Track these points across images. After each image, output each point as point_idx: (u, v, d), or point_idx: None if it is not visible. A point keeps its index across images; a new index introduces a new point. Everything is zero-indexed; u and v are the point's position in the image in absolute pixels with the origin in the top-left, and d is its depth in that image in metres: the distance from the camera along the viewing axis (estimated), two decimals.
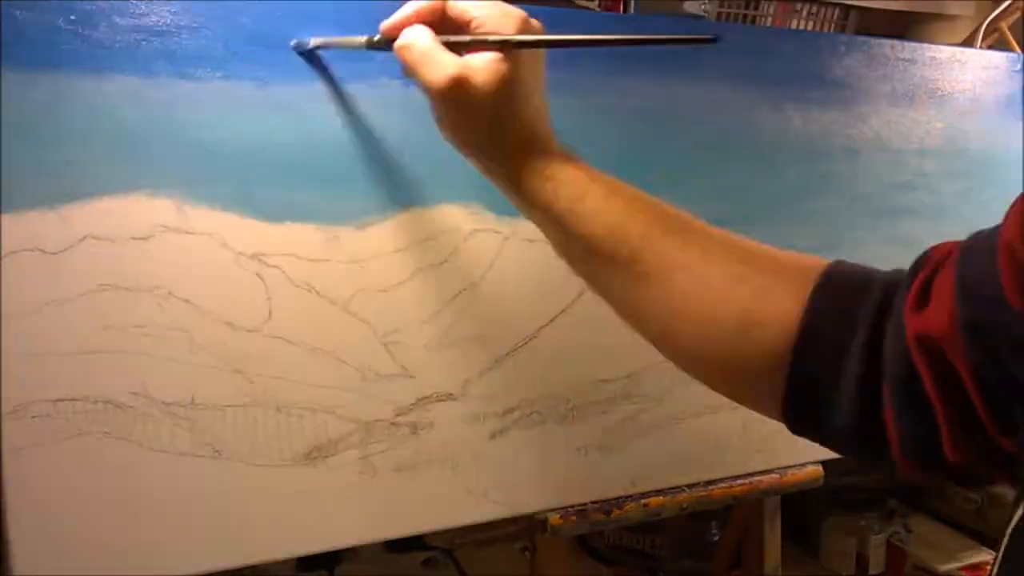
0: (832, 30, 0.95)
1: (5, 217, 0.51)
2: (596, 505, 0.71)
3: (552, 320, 0.69)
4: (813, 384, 0.41)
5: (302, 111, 0.58)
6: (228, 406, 0.58)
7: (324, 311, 0.60)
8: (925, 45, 0.84)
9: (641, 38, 0.54)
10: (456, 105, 0.46)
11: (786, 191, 0.77)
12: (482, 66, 0.45)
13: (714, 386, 0.48)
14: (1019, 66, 0.89)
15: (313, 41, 0.57)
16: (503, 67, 0.45)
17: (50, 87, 0.52)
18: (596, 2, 0.79)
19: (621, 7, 0.79)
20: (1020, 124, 0.89)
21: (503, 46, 0.45)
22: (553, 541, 0.73)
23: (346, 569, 0.90)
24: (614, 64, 0.68)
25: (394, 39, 0.48)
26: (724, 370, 0.46)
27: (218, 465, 0.58)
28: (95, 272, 0.54)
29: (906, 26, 1.02)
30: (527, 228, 0.66)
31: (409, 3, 0.49)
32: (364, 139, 0.60)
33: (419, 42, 0.46)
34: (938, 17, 1.00)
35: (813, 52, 0.78)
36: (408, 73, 0.47)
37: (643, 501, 0.73)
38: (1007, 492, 1.12)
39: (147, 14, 0.53)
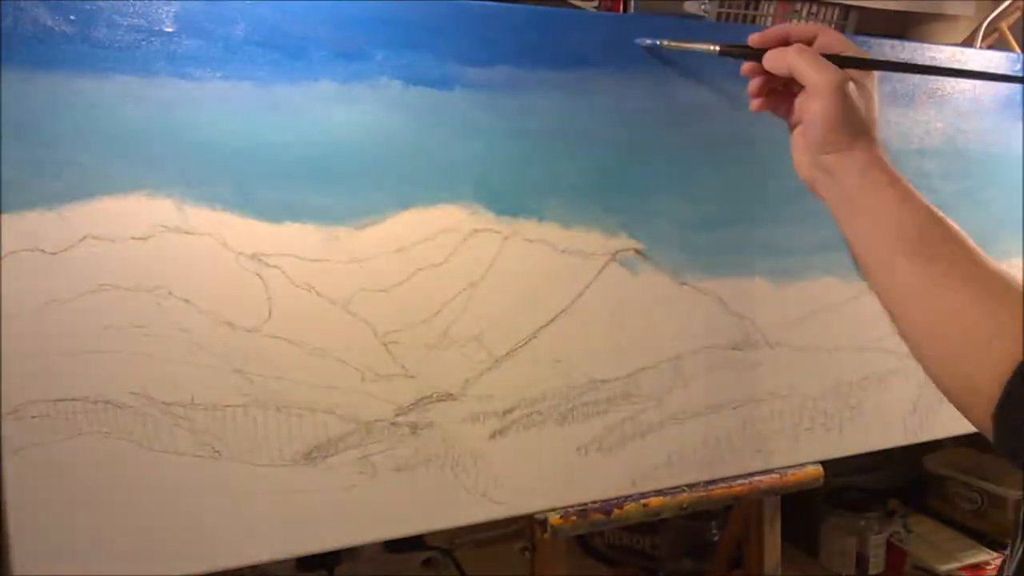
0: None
1: (5, 217, 0.51)
2: (596, 505, 0.71)
3: (552, 320, 0.69)
4: (1020, 405, 0.46)
5: (302, 111, 0.58)
6: (228, 406, 0.58)
7: (324, 311, 0.60)
8: (925, 45, 0.84)
9: (970, 71, 0.74)
10: (842, 101, 0.56)
11: (786, 191, 0.77)
12: (858, 75, 0.58)
13: (945, 386, 0.52)
14: (1019, 66, 0.89)
15: (664, 44, 0.68)
16: (871, 80, 0.59)
17: (50, 87, 0.52)
18: (596, 2, 0.79)
19: (621, 7, 0.79)
20: (1020, 124, 0.89)
21: (872, 67, 0.60)
22: (553, 541, 0.72)
23: (346, 569, 0.90)
24: (614, 64, 0.68)
25: (752, 50, 0.61)
26: (961, 374, 0.50)
27: (218, 465, 0.58)
28: (95, 272, 0.54)
29: (906, 26, 1.02)
30: (527, 228, 0.67)
31: (784, 24, 0.62)
32: (364, 139, 0.60)
33: (808, 50, 0.58)
34: (938, 17, 1.00)
35: None
36: (799, 72, 0.57)
37: (643, 501, 0.73)
38: (1008, 492, 1.12)
39: (147, 14, 0.54)
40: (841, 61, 0.57)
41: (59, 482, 0.54)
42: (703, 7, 0.83)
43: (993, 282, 0.50)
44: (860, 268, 0.57)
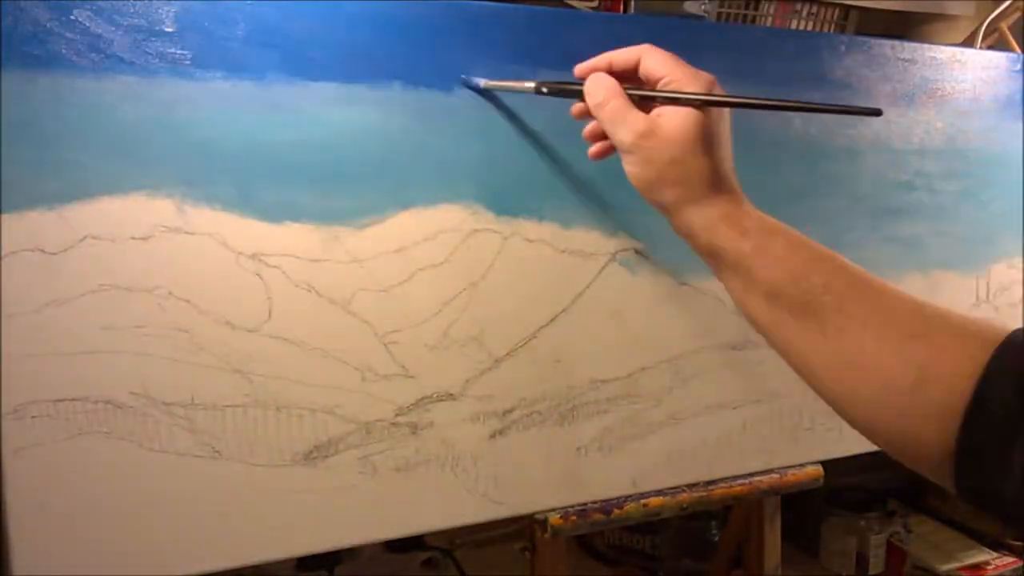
0: (832, 30, 0.95)
1: (5, 217, 0.51)
2: (596, 505, 0.71)
3: (552, 320, 0.69)
4: (982, 450, 0.40)
5: (302, 111, 0.58)
6: (228, 406, 0.58)
7: (324, 311, 0.60)
8: (925, 45, 0.84)
9: (813, 106, 0.60)
10: (646, 157, 0.50)
11: (786, 191, 0.77)
12: (672, 117, 0.49)
13: (883, 445, 0.47)
14: (1019, 66, 0.89)
15: (483, 83, 0.62)
16: (690, 120, 0.49)
17: (50, 87, 0.52)
18: (596, 2, 0.79)
19: (621, 7, 0.80)
20: (1020, 124, 0.89)
21: (687, 103, 0.49)
22: (553, 541, 0.73)
23: (346, 569, 0.90)
24: None
25: (571, 87, 0.55)
26: (895, 430, 0.45)
27: (218, 465, 0.58)
28: (95, 272, 0.54)
29: (906, 26, 1.01)
30: (527, 228, 0.67)
31: (605, 54, 0.54)
32: (364, 139, 0.60)
33: (613, 102, 0.51)
34: (938, 17, 1.00)
35: (813, 52, 0.78)
36: (602, 126, 0.52)
37: (643, 501, 0.73)
38: None
39: (147, 14, 0.54)
40: (654, 97, 0.50)
41: (59, 482, 0.54)
42: (703, 7, 0.83)
43: (898, 318, 0.44)
44: (751, 325, 0.52)
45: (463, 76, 0.63)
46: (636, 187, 0.52)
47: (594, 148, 0.58)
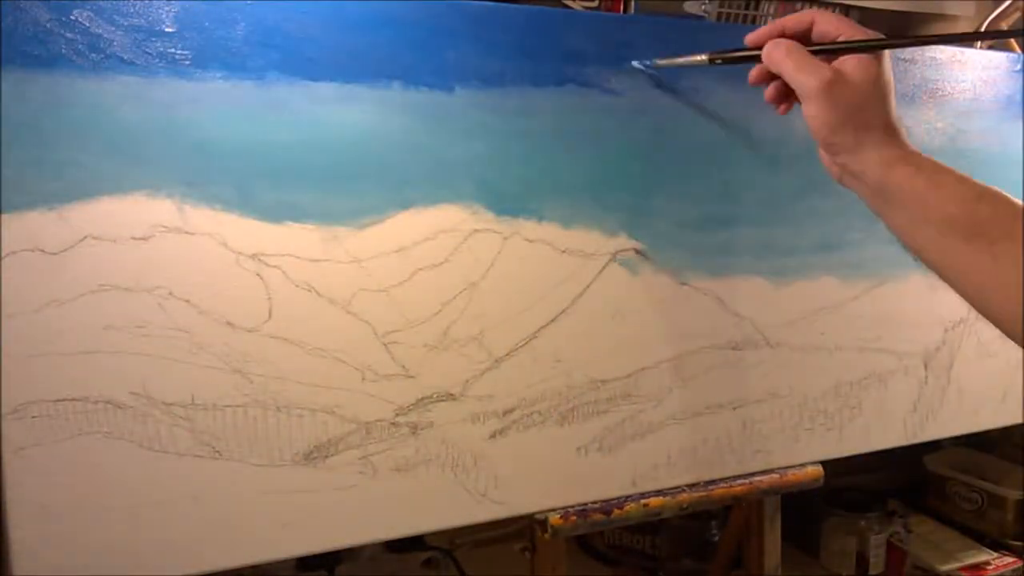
0: None
1: (5, 217, 0.51)
2: (596, 505, 0.71)
3: (552, 320, 0.69)
4: None
5: (302, 111, 0.58)
6: (228, 406, 0.58)
7: (324, 311, 0.60)
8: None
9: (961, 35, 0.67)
10: (833, 102, 0.53)
11: (786, 191, 0.77)
12: (855, 66, 0.54)
13: None
14: (1019, 66, 0.89)
15: (657, 63, 0.67)
16: (872, 66, 0.54)
17: (50, 87, 0.52)
18: (596, 2, 0.79)
19: (621, 7, 0.80)
20: (1020, 124, 0.89)
21: (867, 49, 0.54)
22: (553, 541, 0.73)
23: (346, 569, 0.90)
24: (614, 64, 0.68)
25: (746, 54, 0.59)
26: None
27: (218, 465, 0.58)
28: (95, 272, 0.54)
29: (906, 26, 1.01)
30: (527, 228, 0.67)
31: (777, 21, 0.58)
32: (364, 139, 0.60)
33: (795, 49, 0.55)
34: (938, 17, 1.00)
35: None
36: (787, 77, 0.55)
37: (643, 501, 0.73)
38: (1008, 492, 1.12)
39: (147, 14, 0.54)
40: (835, 50, 0.55)
41: (59, 482, 0.54)
42: (703, 7, 0.83)
43: None
44: (914, 255, 0.55)
45: (634, 62, 0.68)
46: (816, 130, 0.55)
47: (782, 106, 0.62)
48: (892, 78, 0.56)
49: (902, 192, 0.53)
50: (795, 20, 0.58)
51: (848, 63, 0.54)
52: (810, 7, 0.94)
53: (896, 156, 0.54)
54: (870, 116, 0.54)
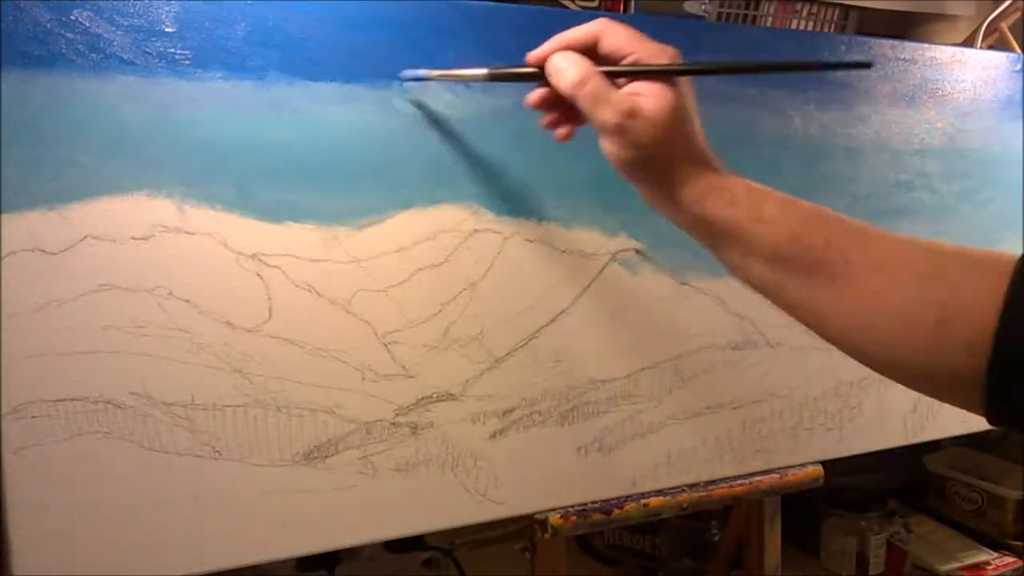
0: (832, 30, 0.95)
1: (5, 217, 0.51)
2: (596, 505, 0.71)
3: (552, 320, 0.69)
4: (1017, 371, 0.40)
5: (302, 111, 0.58)
6: (228, 406, 0.58)
7: (324, 311, 0.60)
8: (925, 45, 0.84)
9: (794, 64, 0.60)
10: (632, 139, 0.48)
11: (786, 191, 0.77)
12: (651, 96, 0.48)
13: (912, 385, 0.47)
14: (1019, 66, 0.89)
15: (426, 73, 0.59)
16: (670, 97, 0.48)
17: (50, 87, 0.52)
18: (596, 2, 0.79)
19: (621, 7, 0.79)
20: (1020, 124, 0.89)
21: (665, 74, 0.48)
22: (553, 541, 0.73)
23: (346, 569, 0.90)
24: None
25: (527, 72, 0.52)
26: (922, 370, 0.45)
27: (218, 465, 0.58)
28: (95, 272, 0.54)
29: (906, 26, 1.01)
30: (527, 228, 0.67)
31: (559, 36, 0.51)
32: (364, 139, 0.60)
33: (592, 76, 0.48)
34: (938, 17, 1.00)
35: (813, 52, 0.78)
36: (582, 107, 0.49)
37: (643, 501, 0.73)
38: (1008, 492, 1.12)
39: (147, 14, 0.54)
40: (630, 73, 0.49)
41: (59, 482, 0.54)
42: (703, 7, 0.83)
43: (908, 261, 0.44)
44: (755, 291, 0.51)
45: (404, 72, 0.60)
46: (619, 168, 0.50)
47: (562, 131, 0.55)
48: (694, 100, 0.50)
49: (721, 225, 0.48)
50: (580, 35, 0.51)
51: (643, 91, 0.48)
52: (810, 7, 0.94)
53: (707, 188, 0.49)
54: (676, 149, 0.49)
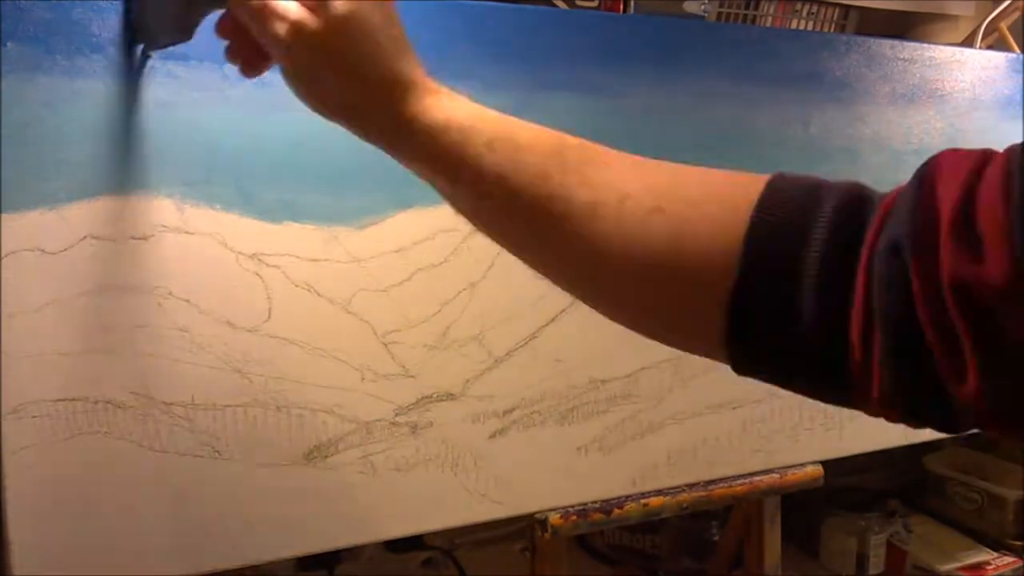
0: (832, 30, 0.95)
1: (5, 217, 0.51)
2: (596, 505, 0.71)
3: (552, 320, 0.69)
4: (761, 310, 0.36)
5: (302, 111, 0.58)
6: (228, 406, 0.58)
7: (324, 311, 0.60)
8: (925, 45, 0.84)
9: None
10: (312, 53, 0.40)
11: None
12: (315, 5, 0.39)
13: (649, 331, 0.42)
14: (1019, 66, 0.89)
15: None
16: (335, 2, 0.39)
17: (50, 87, 0.52)
18: (596, 2, 0.79)
19: (621, 7, 0.79)
20: (1020, 124, 0.89)
21: None
22: (553, 541, 0.72)
23: (346, 569, 0.90)
24: (614, 64, 0.68)
25: None
26: (657, 310, 0.40)
27: (218, 465, 0.58)
28: (95, 272, 0.54)
29: (906, 26, 1.01)
30: None
31: None
32: None
33: None
34: (938, 17, 1.00)
35: (813, 52, 0.78)
36: (249, 26, 0.41)
37: (643, 501, 0.73)
38: (1008, 492, 1.12)
39: None
40: None
41: (59, 482, 0.54)
42: (703, 7, 0.83)
43: (635, 191, 0.38)
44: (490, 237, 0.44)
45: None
46: (302, 95, 0.42)
47: (248, 69, 0.45)
48: (398, 17, 0.42)
49: (440, 160, 0.41)
50: None
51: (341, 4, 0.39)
52: (810, 6, 0.94)
53: (412, 117, 0.41)
54: (369, 69, 0.41)
